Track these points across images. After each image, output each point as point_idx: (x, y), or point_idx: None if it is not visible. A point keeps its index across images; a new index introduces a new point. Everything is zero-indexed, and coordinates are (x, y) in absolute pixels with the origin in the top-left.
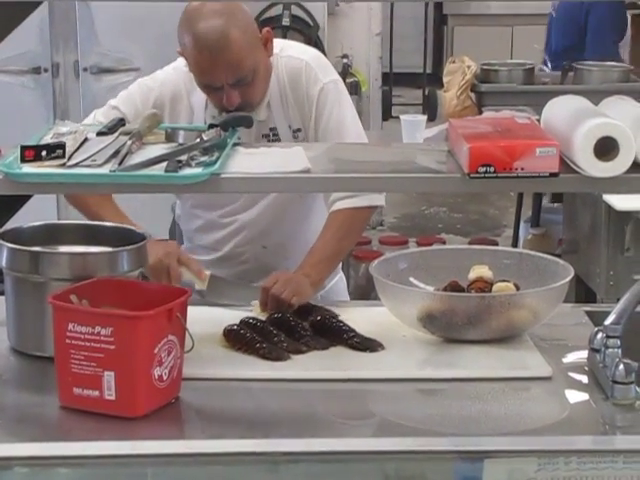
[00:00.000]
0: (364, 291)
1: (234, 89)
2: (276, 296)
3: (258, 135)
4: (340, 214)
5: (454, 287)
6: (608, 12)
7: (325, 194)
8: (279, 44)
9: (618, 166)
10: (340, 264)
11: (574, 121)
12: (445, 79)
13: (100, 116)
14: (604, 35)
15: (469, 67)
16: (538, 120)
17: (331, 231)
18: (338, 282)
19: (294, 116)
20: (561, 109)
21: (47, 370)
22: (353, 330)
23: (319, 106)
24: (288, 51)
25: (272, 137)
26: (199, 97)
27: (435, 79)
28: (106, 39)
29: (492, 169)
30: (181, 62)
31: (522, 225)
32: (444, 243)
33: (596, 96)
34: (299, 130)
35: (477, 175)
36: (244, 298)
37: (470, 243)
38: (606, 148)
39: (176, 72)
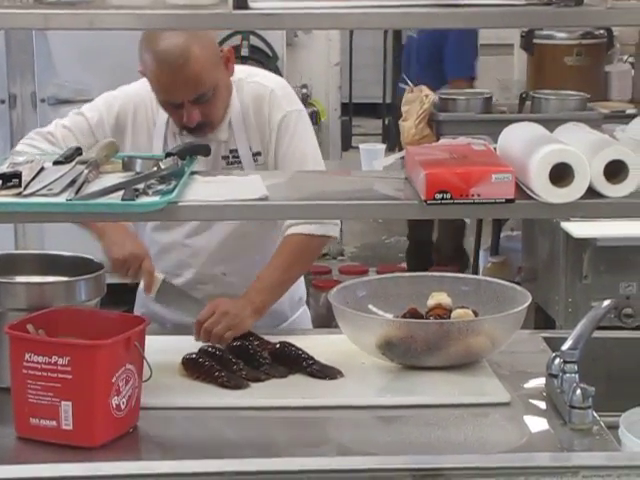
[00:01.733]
0: (325, 320)
1: (194, 107)
2: (209, 330)
3: (217, 156)
4: (292, 239)
5: (413, 314)
6: (465, 34)
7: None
8: (246, 70)
9: (573, 192)
10: (305, 297)
11: (529, 148)
12: (403, 108)
13: (66, 121)
14: (462, 54)
15: (427, 96)
16: (495, 148)
17: (281, 257)
18: (302, 314)
19: (255, 139)
20: (517, 136)
21: (3, 401)
22: (312, 358)
23: (280, 133)
24: (255, 77)
25: (232, 159)
26: (162, 114)
27: (394, 109)
28: (64, 70)
29: (448, 195)
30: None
31: (482, 253)
32: (405, 272)
33: (553, 124)
34: (259, 154)
35: (434, 202)
36: (189, 310)
37: (430, 271)
38: (561, 174)
39: (143, 86)
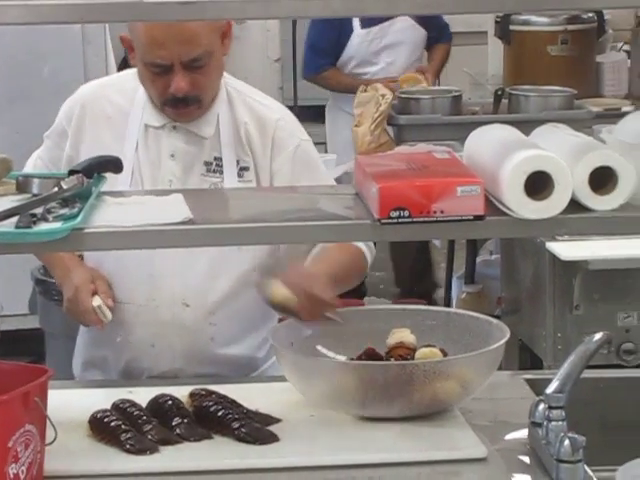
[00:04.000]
0: None
1: (185, 72)
2: (314, 312)
3: (199, 159)
4: (349, 247)
5: (370, 355)
6: None
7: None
8: (239, 84)
9: (553, 205)
10: None
11: (501, 154)
12: (356, 111)
13: (42, 152)
14: None
15: (384, 96)
16: (462, 156)
17: (334, 259)
18: (273, 365)
19: (245, 155)
20: (486, 141)
21: None
22: (244, 417)
23: (296, 164)
24: (256, 96)
25: (215, 167)
26: (137, 106)
27: None
28: None
29: (407, 213)
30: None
31: (455, 282)
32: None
33: (535, 126)
34: (246, 169)
35: (389, 221)
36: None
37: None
38: (539, 185)
39: (102, 82)
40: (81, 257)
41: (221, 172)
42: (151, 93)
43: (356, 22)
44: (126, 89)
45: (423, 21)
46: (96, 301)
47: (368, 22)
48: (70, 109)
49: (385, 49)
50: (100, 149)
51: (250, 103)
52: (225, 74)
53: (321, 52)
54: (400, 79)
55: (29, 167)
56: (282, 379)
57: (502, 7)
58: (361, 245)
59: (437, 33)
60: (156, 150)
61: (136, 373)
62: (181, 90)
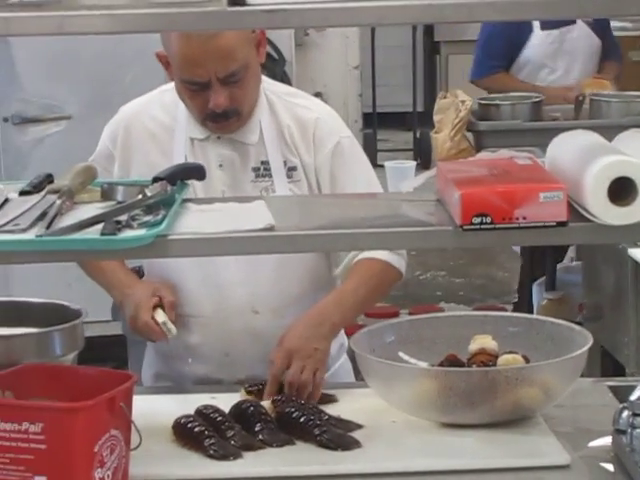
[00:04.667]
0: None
1: (223, 88)
2: (295, 383)
3: (246, 167)
4: (374, 264)
5: (452, 361)
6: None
7: (333, 255)
8: (278, 87)
9: (637, 211)
10: (346, 344)
11: (584, 160)
12: (436, 118)
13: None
14: None
15: (463, 102)
16: (543, 162)
17: (361, 277)
18: (344, 364)
19: (292, 154)
20: (569, 147)
21: None
22: (327, 423)
23: (335, 162)
24: (294, 99)
25: (263, 171)
26: (181, 120)
27: (428, 119)
28: (30, 84)
29: (489, 219)
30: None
31: (535, 289)
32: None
33: (617, 132)
34: (294, 168)
35: (471, 227)
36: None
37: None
38: (622, 190)
39: (143, 100)
40: (140, 275)
41: (270, 175)
42: (191, 109)
43: (536, 23)
44: (167, 104)
45: (598, 32)
46: (160, 317)
47: (549, 24)
48: (113, 132)
49: (563, 54)
50: (149, 167)
51: (289, 106)
52: (263, 78)
53: (494, 53)
54: (583, 84)
55: None
56: (364, 385)
57: (583, 12)
58: (389, 258)
59: (608, 47)
60: (204, 162)
61: (213, 383)
62: (220, 106)
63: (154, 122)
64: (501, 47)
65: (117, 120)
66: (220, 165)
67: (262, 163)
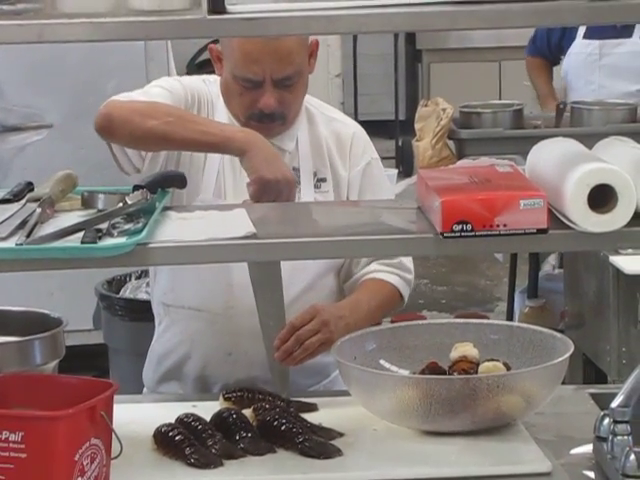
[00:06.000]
0: None
1: (274, 90)
2: (302, 339)
3: None
4: (384, 284)
5: (433, 369)
6: None
7: (336, 266)
8: (316, 101)
9: (617, 218)
10: None
11: (564, 167)
12: (417, 126)
13: (161, 81)
14: None
15: (444, 110)
16: (524, 170)
17: (374, 292)
18: (339, 377)
19: (323, 167)
20: (549, 154)
21: None
22: (308, 431)
23: (365, 181)
24: (332, 114)
25: None
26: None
27: (410, 127)
28: (10, 92)
29: (469, 227)
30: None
31: (517, 296)
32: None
33: (597, 140)
34: (324, 180)
35: (452, 234)
36: None
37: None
38: (602, 198)
39: (204, 83)
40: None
41: (298, 182)
42: (236, 106)
43: (581, 30)
44: (211, 94)
45: None
46: None
47: (592, 34)
48: (195, 90)
49: (601, 68)
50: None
51: (327, 119)
52: None
53: (538, 41)
54: None
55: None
56: (345, 393)
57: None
58: (397, 283)
59: None
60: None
61: (212, 381)
62: (269, 107)
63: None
64: (544, 43)
65: (197, 84)
66: None
67: (293, 169)
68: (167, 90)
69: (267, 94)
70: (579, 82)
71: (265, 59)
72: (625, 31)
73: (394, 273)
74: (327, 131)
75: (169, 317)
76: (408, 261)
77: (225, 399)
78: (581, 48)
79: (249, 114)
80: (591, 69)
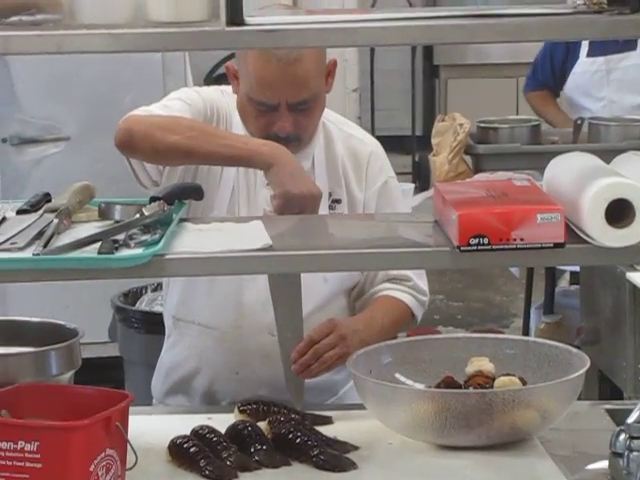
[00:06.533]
0: None
1: (290, 114)
2: (320, 353)
3: None
4: (398, 303)
5: (448, 383)
6: None
7: (346, 287)
8: (334, 116)
9: (634, 233)
10: None
11: (581, 182)
12: (434, 141)
13: (181, 94)
14: None
15: (462, 125)
16: (542, 185)
17: (388, 310)
18: (353, 388)
19: (339, 187)
20: (566, 168)
21: None
22: (323, 444)
23: (380, 201)
24: (349, 129)
25: None
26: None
27: (426, 142)
28: (28, 104)
29: (486, 240)
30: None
31: (533, 312)
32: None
33: (615, 156)
34: (338, 201)
35: (469, 248)
36: None
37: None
38: (620, 212)
39: (222, 94)
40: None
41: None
42: (251, 127)
43: (584, 49)
44: (229, 106)
45: None
46: None
47: (595, 51)
48: (213, 102)
49: (609, 83)
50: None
51: (345, 136)
52: None
53: (540, 71)
54: None
55: (159, 104)
56: (360, 407)
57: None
58: (410, 303)
59: None
60: (254, 176)
61: (220, 397)
62: (285, 131)
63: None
64: (547, 66)
65: (213, 95)
66: (268, 184)
67: None
68: (186, 103)
69: (282, 118)
70: (587, 101)
71: (280, 84)
72: (628, 44)
73: (407, 292)
74: (344, 149)
75: (178, 331)
76: (423, 283)
77: (240, 411)
78: (586, 67)
79: (264, 135)
80: (599, 86)
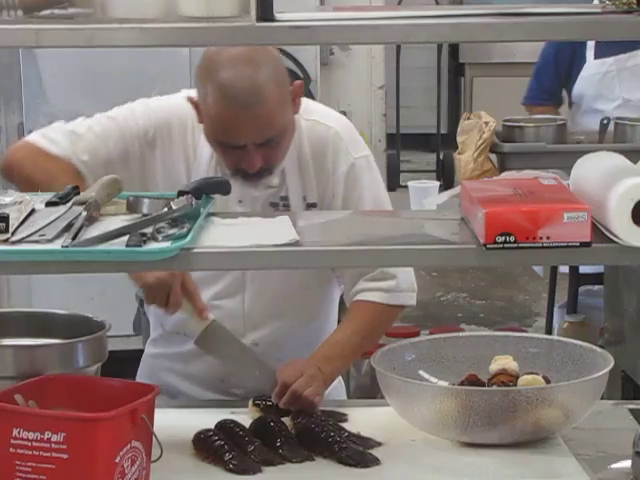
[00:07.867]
0: (367, 392)
1: (258, 150)
2: (298, 394)
3: (265, 203)
4: (368, 308)
5: (472, 381)
6: None
7: (339, 283)
8: (301, 103)
9: None
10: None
11: (608, 181)
12: (459, 139)
13: (96, 126)
14: None
15: (487, 124)
16: (568, 184)
17: (356, 324)
18: (337, 386)
19: (311, 189)
20: (593, 168)
21: None
22: (347, 439)
23: (348, 185)
24: (313, 115)
25: (282, 207)
26: (207, 146)
27: (451, 140)
28: (56, 97)
29: (512, 238)
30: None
31: (556, 312)
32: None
33: None
34: (314, 205)
35: (495, 246)
36: (236, 361)
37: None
38: None
39: (184, 105)
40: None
41: (288, 209)
42: (220, 160)
43: (590, 52)
44: (195, 124)
45: None
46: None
47: (603, 52)
48: (164, 121)
49: (621, 83)
50: (172, 177)
51: (309, 126)
52: None
53: (543, 86)
54: None
55: (77, 127)
56: (384, 403)
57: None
58: (380, 299)
59: None
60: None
61: (234, 387)
62: (254, 168)
63: (188, 135)
64: (550, 80)
65: (169, 113)
66: (240, 201)
67: (281, 199)
68: (117, 123)
69: (250, 156)
70: (600, 103)
71: (243, 128)
72: (634, 42)
73: (375, 289)
74: (309, 143)
75: (164, 338)
76: (407, 280)
77: (254, 405)
78: (595, 69)
79: (234, 170)
80: (611, 87)
